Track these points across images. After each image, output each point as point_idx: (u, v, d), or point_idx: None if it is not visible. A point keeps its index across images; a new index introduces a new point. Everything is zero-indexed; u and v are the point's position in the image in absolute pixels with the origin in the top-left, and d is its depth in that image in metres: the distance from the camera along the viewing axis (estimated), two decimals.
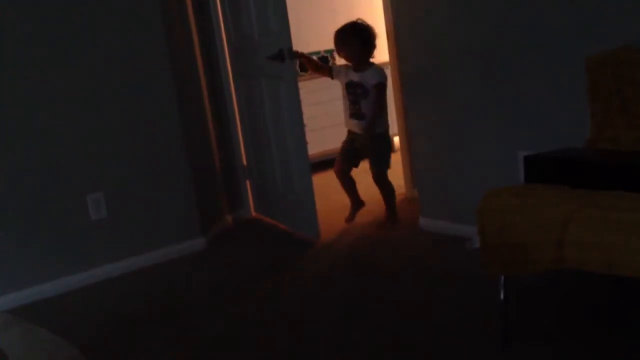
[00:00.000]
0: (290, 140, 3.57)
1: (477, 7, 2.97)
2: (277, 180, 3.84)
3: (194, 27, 3.87)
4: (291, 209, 3.76)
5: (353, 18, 3.72)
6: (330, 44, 3.85)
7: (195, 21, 3.90)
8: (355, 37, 3.58)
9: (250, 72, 3.87)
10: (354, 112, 3.65)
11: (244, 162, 4.20)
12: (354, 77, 3.61)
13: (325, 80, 4.14)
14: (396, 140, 4.47)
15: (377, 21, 4.19)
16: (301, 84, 3.75)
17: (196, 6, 3.94)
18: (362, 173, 3.85)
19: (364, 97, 3.59)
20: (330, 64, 5.24)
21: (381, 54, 4.40)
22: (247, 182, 4.23)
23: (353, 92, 3.63)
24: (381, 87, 3.58)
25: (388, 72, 3.93)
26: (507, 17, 2.86)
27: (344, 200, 3.89)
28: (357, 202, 3.85)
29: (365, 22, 3.67)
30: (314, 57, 4.10)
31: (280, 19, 3.38)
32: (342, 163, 3.77)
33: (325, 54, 5.74)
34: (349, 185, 3.82)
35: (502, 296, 2.15)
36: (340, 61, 4.03)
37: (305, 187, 3.55)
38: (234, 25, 3.93)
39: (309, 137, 3.82)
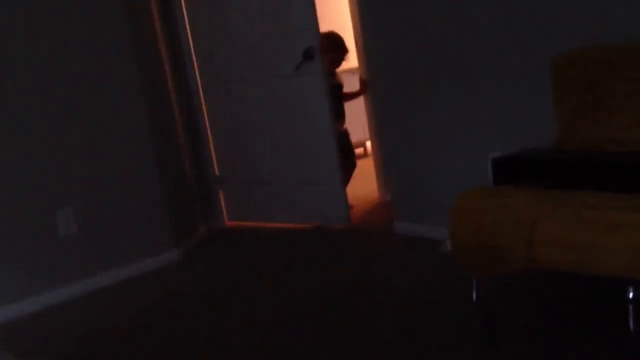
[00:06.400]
0: (317, 132, 3.69)
1: (444, 12, 2.99)
2: (281, 180, 3.92)
3: (161, 40, 3.84)
4: (309, 202, 3.85)
5: (323, 26, 3.70)
6: None
7: (163, 34, 3.87)
8: (342, 44, 4.01)
9: (243, 76, 3.88)
10: (339, 110, 4.02)
11: (216, 172, 4.17)
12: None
13: None
14: (368, 144, 4.48)
15: (345, 26, 4.20)
16: None
17: (162, 17, 3.91)
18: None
19: (342, 96, 4.12)
20: None
21: (350, 59, 4.40)
22: (220, 192, 4.20)
23: (338, 93, 4.01)
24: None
25: (356, 78, 4.12)
26: (475, 20, 2.88)
27: None
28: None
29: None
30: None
31: (308, 16, 3.50)
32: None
33: None
34: None
35: (474, 297, 2.16)
36: None
37: (333, 175, 3.71)
38: (211, 32, 3.91)
39: None
